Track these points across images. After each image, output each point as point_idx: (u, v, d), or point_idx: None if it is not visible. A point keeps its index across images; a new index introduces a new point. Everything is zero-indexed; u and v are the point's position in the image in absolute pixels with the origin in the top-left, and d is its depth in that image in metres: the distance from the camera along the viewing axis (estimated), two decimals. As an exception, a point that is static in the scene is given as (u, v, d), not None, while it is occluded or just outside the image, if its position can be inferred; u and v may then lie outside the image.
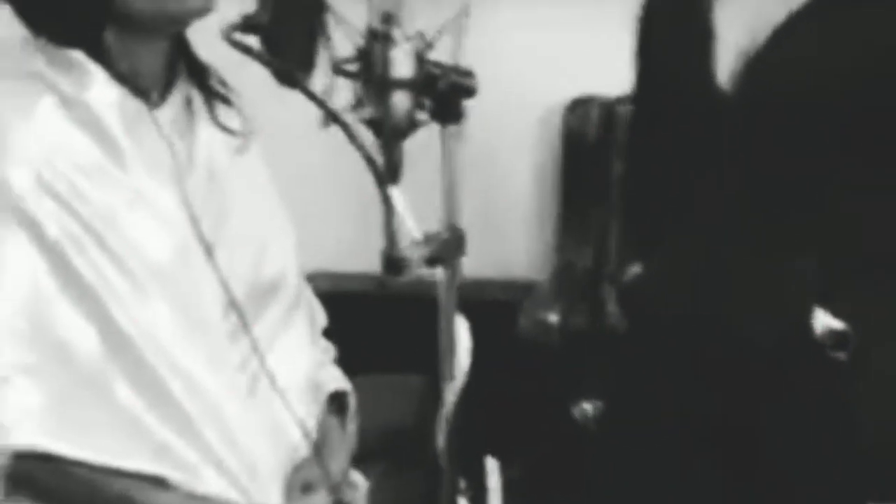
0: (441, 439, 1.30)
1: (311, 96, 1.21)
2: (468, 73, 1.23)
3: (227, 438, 1.34)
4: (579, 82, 2.87)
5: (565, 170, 2.93)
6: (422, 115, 1.26)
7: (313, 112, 1.21)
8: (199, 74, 1.46)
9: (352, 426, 1.56)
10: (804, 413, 1.63)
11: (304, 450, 1.45)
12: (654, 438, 1.75)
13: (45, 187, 1.29)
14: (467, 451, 1.34)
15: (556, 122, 2.91)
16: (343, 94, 1.28)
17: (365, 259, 1.46)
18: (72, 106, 1.32)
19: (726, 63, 1.67)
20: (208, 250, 1.37)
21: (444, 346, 1.30)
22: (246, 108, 1.53)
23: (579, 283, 2.83)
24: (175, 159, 1.38)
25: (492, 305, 1.92)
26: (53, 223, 1.28)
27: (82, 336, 1.29)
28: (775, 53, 1.63)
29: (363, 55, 1.25)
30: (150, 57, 1.38)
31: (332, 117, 1.22)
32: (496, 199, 2.93)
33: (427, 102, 1.25)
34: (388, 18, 1.20)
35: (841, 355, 1.59)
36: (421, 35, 1.24)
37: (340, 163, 1.49)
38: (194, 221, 1.36)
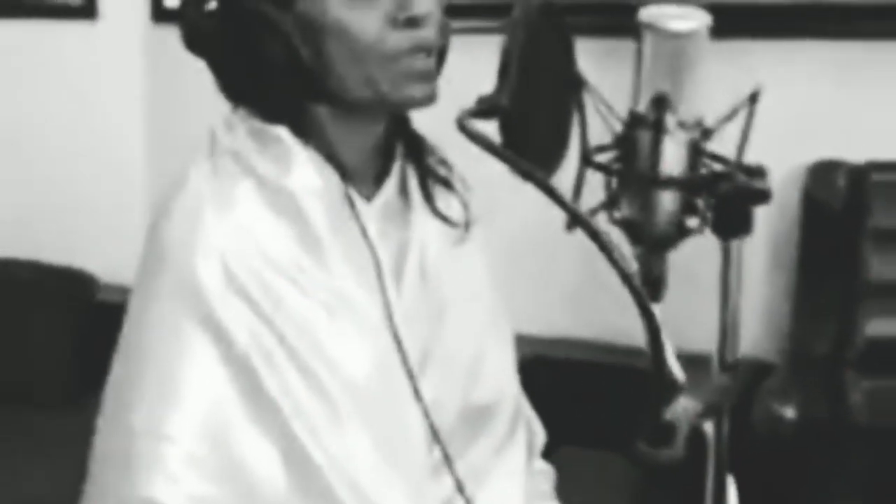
0: None
1: (553, 196, 0.96)
2: (759, 172, 0.96)
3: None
4: (823, 144, 2.55)
5: (804, 240, 2.61)
6: (692, 222, 1.00)
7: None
8: (417, 152, 1.24)
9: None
10: None
11: None
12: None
13: (235, 285, 1.09)
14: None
15: (797, 186, 2.59)
16: (595, 190, 1.04)
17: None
18: (270, 191, 1.12)
19: None
20: (412, 372, 1.14)
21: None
22: (469, 192, 1.30)
23: (818, 371, 2.51)
24: (385, 258, 1.16)
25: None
26: (243, 330, 1.08)
27: (266, 465, 1.09)
28: None
29: (623, 144, 1.00)
30: (364, 138, 1.17)
31: (577, 220, 0.96)
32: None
33: (702, 206, 0.99)
34: (660, 101, 0.95)
35: None
36: (699, 122, 0.98)
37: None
38: (400, 336, 1.15)
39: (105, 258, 3.05)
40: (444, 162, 1.28)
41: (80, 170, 3.19)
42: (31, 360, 3.00)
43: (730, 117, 0.97)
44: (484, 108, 0.93)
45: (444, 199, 1.25)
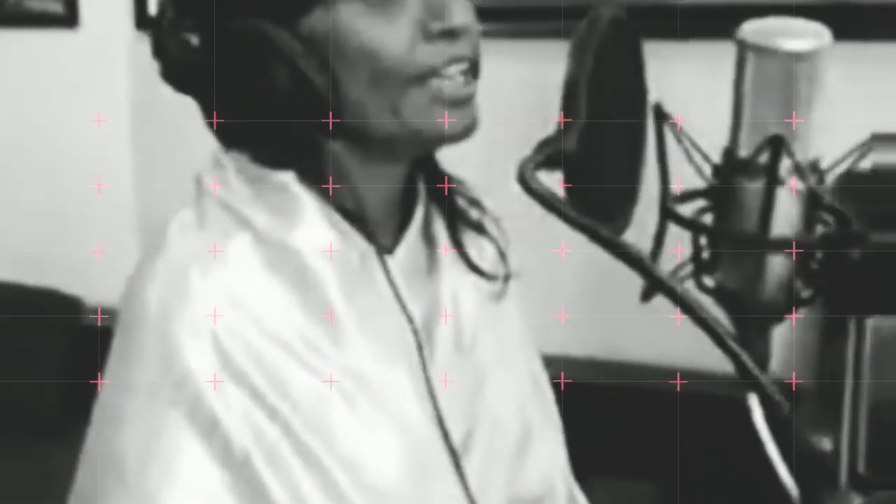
0: None
1: (625, 256, 0.75)
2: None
3: None
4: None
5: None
6: (807, 292, 0.78)
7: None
8: (443, 190, 1.02)
9: None
10: None
11: None
12: None
13: (230, 368, 0.86)
14: None
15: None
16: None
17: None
18: (270, 248, 0.90)
19: None
20: (463, 472, 0.93)
21: None
22: (504, 236, 1.09)
23: None
24: (411, 326, 0.95)
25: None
26: (241, 424, 0.86)
27: None
28: None
29: (718, 193, 0.79)
30: (386, 181, 0.95)
31: (658, 285, 0.75)
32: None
33: (819, 270, 0.78)
34: (776, 142, 0.73)
35: None
36: (815, 165, 0.77)
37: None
38: (446, 423, 0.93)
39: (91, 280, 2.89)
40: (475, 202, 1.07)
41: (63, 187, 3.02)
42: (14, 384, 2.84)
43: (856, 160, 0.75)
44: (552, 156, 0.71)
45: (475, 246, 1.04)
